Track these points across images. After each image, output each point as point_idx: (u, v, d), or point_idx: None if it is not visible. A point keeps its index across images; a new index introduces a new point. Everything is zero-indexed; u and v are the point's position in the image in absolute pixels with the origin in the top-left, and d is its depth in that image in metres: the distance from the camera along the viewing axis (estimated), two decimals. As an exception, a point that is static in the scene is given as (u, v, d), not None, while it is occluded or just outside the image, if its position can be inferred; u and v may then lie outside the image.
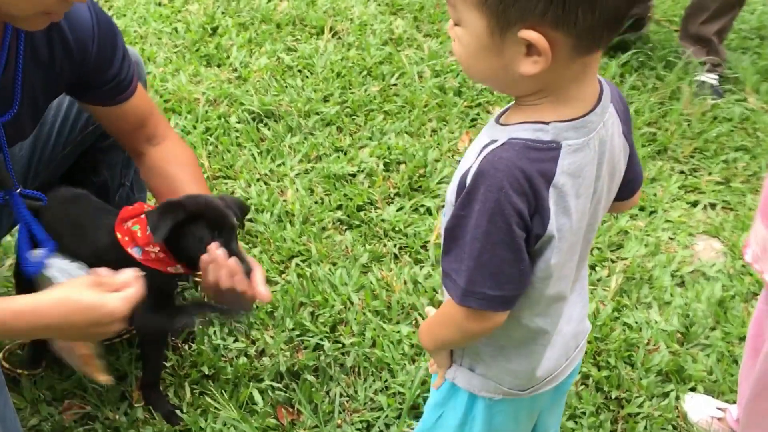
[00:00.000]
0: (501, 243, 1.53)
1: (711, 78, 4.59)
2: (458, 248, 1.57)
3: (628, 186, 1.80)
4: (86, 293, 2.16)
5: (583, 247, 1.73)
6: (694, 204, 3.91)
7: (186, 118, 4.32)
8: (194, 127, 4.26)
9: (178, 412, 2.86)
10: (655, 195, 3.92)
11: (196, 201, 2.56)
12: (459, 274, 1.58)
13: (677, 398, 2.95)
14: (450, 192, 1.62)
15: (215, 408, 2.88)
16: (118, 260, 2.46)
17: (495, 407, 1.89)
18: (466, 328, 1.68)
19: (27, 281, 2.68)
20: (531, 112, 1.55)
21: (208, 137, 4.21)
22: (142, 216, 2.56)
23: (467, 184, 1.54)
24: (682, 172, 4.11)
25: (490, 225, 1.51)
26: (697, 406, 2.88)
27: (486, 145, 1.54)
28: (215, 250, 2.46)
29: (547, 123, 1.52)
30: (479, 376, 1.85)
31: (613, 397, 2.96)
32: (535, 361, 1.80)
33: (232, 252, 2.51)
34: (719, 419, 2.81)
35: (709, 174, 4.08)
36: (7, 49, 2.28)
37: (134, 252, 2.56)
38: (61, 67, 2.44)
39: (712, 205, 3.88)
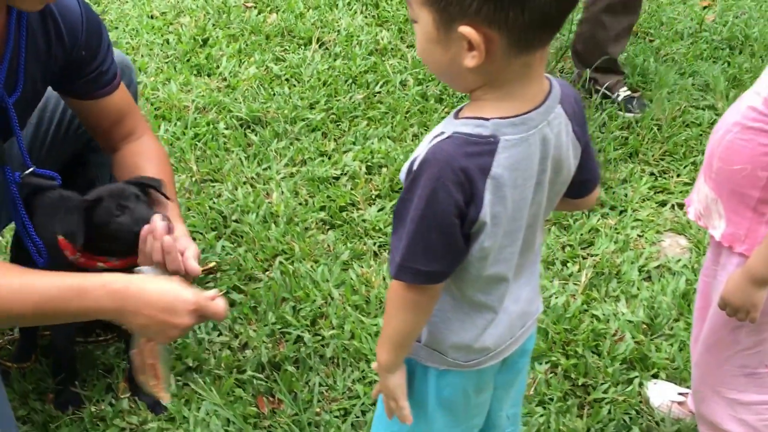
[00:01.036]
0: (435, 228, 1.62)
1: (624, 93, 4.62)
2: (401, 228, 1.65)
3: (584, 185, 1.88)
4: (168, 282, 2.19)
5: (528, 236, 1.79)
6: (663, 204, 3.95)
7: (176, 124, 4.37)
8: (183, 134, 4.31)
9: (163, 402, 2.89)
10: (626, 195, 3.96)
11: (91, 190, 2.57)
12: (397, 250, 1.66)
13: (641, 384, 2.99)
14: (401, 175, 1.69)
15: (199, 397, 2.92)
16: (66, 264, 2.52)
17: (443, 379, 1.94)
18: (409, 302, 1.75)
19: (24, 254, 2.73)
20: (477, 109, 1.63)
21: (197, 143, 4.26)
22: None
23: (413, 171, 1.61)
24: (652, 174, 4.15)
25: (427, 210, 1.59)
26: (659, 391, 2.92)
27: (436, 136, 1.61)
28: (155, 222, 2.38)
29: (487, 119, 1.59)
30: (425, 347, 1.90)
31: (580, 383, 3.00)
32: (476, 335, 1.86)
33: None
34: (680, 404, 2.86)
35: (678, 176, 4.12)
36: (14, 34, 2.34)
37: (70, 258, 2.58)
38: (55, 54, 2.50)
39: (680, 205, 3.92)
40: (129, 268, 2.46)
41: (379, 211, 3.83)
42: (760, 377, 2.40)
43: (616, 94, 4.58)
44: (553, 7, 1.51)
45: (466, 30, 1.52)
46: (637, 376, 3.02)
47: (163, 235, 2.36)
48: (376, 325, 3.19)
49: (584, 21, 4.54)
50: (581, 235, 3.70)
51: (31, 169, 2.61)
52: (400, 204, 1.65)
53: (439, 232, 1.62)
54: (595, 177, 1.91)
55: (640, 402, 2.94)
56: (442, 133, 1.61)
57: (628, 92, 4.61)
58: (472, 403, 2.03)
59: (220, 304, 2.17)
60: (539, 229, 1.83)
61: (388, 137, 4.34)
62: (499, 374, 2.04)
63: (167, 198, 2.61)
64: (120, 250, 2.53)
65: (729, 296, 2.20)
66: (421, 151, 1.63)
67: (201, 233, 3.67)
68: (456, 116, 1.66)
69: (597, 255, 3.58)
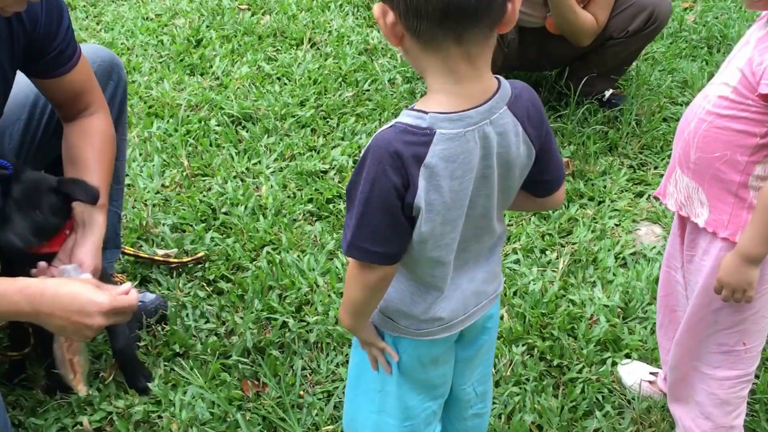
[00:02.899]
0: (379, 208, 1.69)
1: (609, 92, 4.62)
2: (351, 208, 1.73)
3: (546, 185, 1.95)
4: (82, 285, 2.23)
5: (482, 224, 1.87)
6: (640, 195, 3.95)
7: (168, 122, 4.37)
8: (176, 130, 4.31)
9: (150, 385, 2.90)
10: (604, 187, 3.96)
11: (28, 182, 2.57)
12: (348, 228, 1.74)
13: (613, 365, 2.99)
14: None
15: (185, 381, 2.92)
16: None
17: (398, 346, 2.03)
18: (361, 278, 1.82)
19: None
20: (423, 103, 1.70)
21: (189, 139, 4.26)
22: None
23: (361, 155, 1.70)
24: (630, 166, 4.15)
25: (371, 192, 1.67)
26: (631, 371, 2.93)
27: (386, 126, 1.70)
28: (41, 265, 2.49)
29: (426, 113, 1.66)
30: (379, 314, 1.99)
31: (555, 364, 3.01)
32: (424, 308, 1.93)
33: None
34: (650, 382, 2.87)
35: (655, 168, 4.12)
36: None
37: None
38: (18, 37, 2.50)
39: (657, 196, 3.91)
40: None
41: (364, 203, 3.82)
42: (736, 354, 2.43)
43: (601, 95, 4.57)
44: (419, 1, 1.57)
45: (375, 7, 1.65)
46: (610, 357, 3.02)
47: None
48: (359, 311, 3.18)
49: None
50: (560, 224, 3.70)
51: None
52: (350, 185, 1.72)
53: (383, 212, 1.70)
54: (557, 178, 1.96)
55: (613, 381, 2.94)
56: (390, 123, 1.69)
57: (611, 90, 4.60)
58: (430, 374, 2.09)
59: (131, 297, 2.23)
60: (495, 219, 1.89)
61: (376, 133, 4.33)
62: (459, 349, 2.12)
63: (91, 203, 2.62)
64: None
65: (725, 278, 2.24)
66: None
67: (191, 225, 3.67)
68: (408, 108, 1.72)
69: (575, 243, 3.58)
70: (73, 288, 2.21)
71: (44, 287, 2.20)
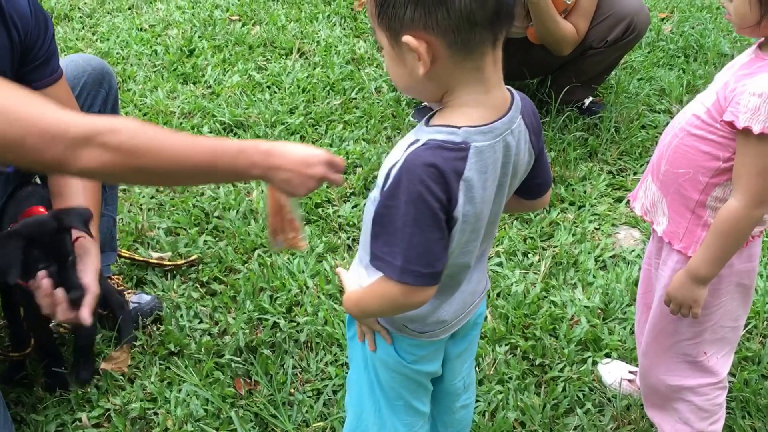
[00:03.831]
0: (429, 225, 1.66)
1: (589, 100, 4.65)
2: (387, 234, 1.69)
3: (538, 188, 1.98)
4: (299, 143, 2.36)
5: (488, 230, 1.88)
6: (619, 200, 3.98)
7: (162, 128, 4.39)
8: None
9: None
10: (584, 192, 3.99)
11: (31, 226, 2.55)
12: (394, 256, 1.69)
13: (594, 364, 3.02)
14: (379, 180, 1.73)
15: (180, 379, 2.94)
16: None
17: (399, 342, 2.02)
18: (401, 302, 1.77)
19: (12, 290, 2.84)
20: (446, 116, 1.68)
21: (182, 145, 4.27)
22: None
23: (392, 177, 1.66)
24: (610, 172, 4.18)
25: (417, 212, 1.64)
26: (611, 370, 2.95)
27: (411, 144, 1.67)
28: (41, 280, 2.47)
29: (458, 127, 1.65)
30: (395, 322, 1.98)
31: (537, 363, 3.04)
32: (431, 311, 1.93)
33: (65, 279, 2.52)
34: (630, 381, 2.89)
35: (634, 174, 4.15)
36: None
37: None
38: (15, 47, 2.54)
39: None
40: None
41: (353, 207, 3.86)
42: (700, 364, 2.45)
43: (582, 103, 4.60)
44: (474, 6, 1.56)
45: (407, 39, 1.60)
46: (590, 356, 3.05)
47: (49, 291, 2.49)
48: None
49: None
50: (542, 228, 3.73)
51: None
52: (383, 211, 1.69)
53: (434, 229, 1.67)
54: (547, 181, 2.00)
55: (593, 380, 2.97)
56: (417, 140, 1.67)
57: (591, 98, 4.64)
58: (423, 370, 2.09)
59: (340, 158, 2.24)
60: (497, 222, 1.93)
61: (363, 139, 4.36)
62: (452, 346, 2.12)
63: (90, 234, 2.64)
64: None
65: (673, 292, 2.28)
66: (397, 157, 1.68)
67: (185, 229, 3.69)
68: (427, 124, 1.70)
69: (556, 246, 3.62)
70: (294, 145, 2.25)
71: (272, 145, 2.23)
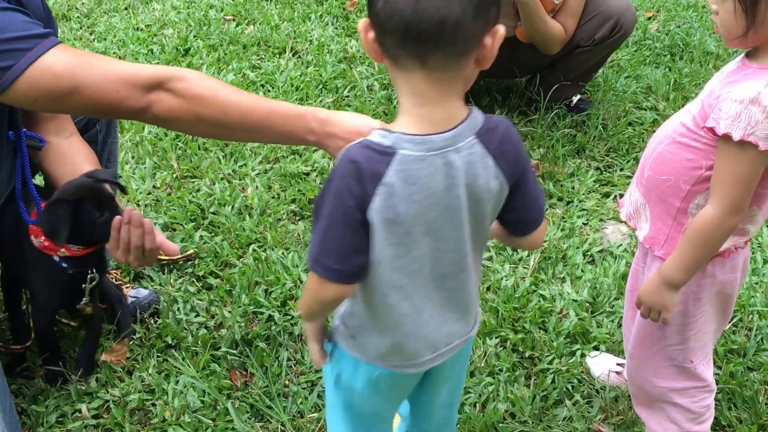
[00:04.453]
0: (342, 222, 1.64)
1: (577, 98, 4.67)
2: (315, 222, 1.68)
3: (523, 224, 1.86)
4: (357, 114, 2.40)
5: (452, 261, 1.79)
6: (607, 195, 4.00)
7: (157, 127, 4.39)
8: (165, 134, 4.34)
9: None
10: (573, 188, 4.01)
11: (71, 190, 2.60)
12: (314, 243, 1.69)
13: (582, 356, 3.04)
14: None
15: (177, 371, 2.95)
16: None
17: (360, 368, 1.95)
18: (317, 294, 1.75)
19: (14, 283, 2.86)
20: (394, 122, 1.66)
21: (178, 142, 4.29)
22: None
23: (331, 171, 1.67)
24: (597, 168, 4.20)
25: (334, 207, 1.63)
26: (599, 362, 2.97)
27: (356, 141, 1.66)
28: (131, 212, 2.53)
29: (392, 132, 1.62)
30: (346, 337, 1.93)
31: (527, 356, 3.05)
32: (387, 341, 1.86)
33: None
34: (618, 373, 2.91)
35: (621, 170, 4.17)
36: None
37: (34, 241, 2.66)
38: None
39: (622, 196, 3.96)
40: (84, 257, 2.69)
41: (345, 203, 3.86)
42: (687, 369, 2.44)
43: (570, 100, 4.62)
44: (385, 15, 1.52)
45: (359, 23, 1.62)
46: (579, 349, 3.07)
47: (140, 222, 2.53)
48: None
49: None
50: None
51: (23, 130, 2.68)
52: (317, 201, 1.68)
53: (345, 227, 1.65)
54: (536, 218, 1.86)
55: (582, 372, 2.99)
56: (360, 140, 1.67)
57: (579, 96, 4.65)
58: (384, 401, 2.06)
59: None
60: (470, 255, 1.81)
61: (355, 137, 4.37)
62: (426, 379, 2.05)
63: (123, 191, 2.79)
64: (85, 241, 2.65)
65: (644, 296, 2.28)
66: None
67: (181, 224, 3.70)
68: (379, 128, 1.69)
69: (545, 241, 3.63)
70: (350, 114, 2.32)
71: (329, 114, 2.32)
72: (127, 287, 3.26)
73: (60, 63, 2.23)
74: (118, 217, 2.53)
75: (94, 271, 2.78)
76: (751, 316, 3.23)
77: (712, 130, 2.02)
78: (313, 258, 1.69)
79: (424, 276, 1.78)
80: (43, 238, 2.61)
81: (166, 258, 3.44)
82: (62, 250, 2.64)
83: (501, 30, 1.57)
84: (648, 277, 2.28)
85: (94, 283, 2.78)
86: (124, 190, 2.78)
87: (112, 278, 3.25)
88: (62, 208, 2.54)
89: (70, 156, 2.76)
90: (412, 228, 1.67)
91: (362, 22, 1.59)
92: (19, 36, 2.20)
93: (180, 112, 2.28)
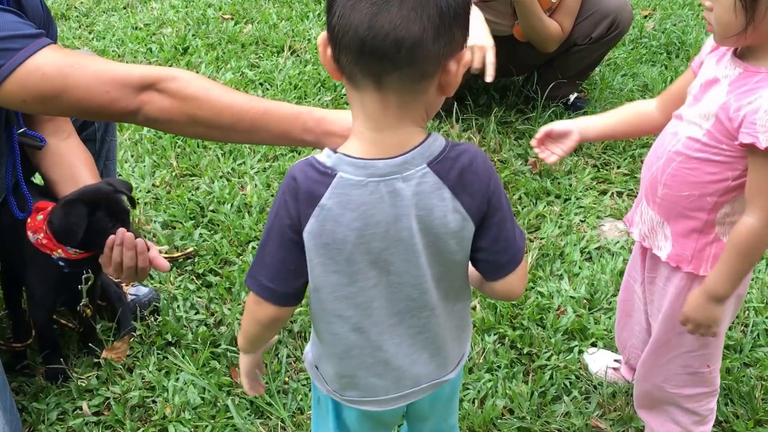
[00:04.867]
0: (276, 238, 1.57)
1: (574, 96, 4.68)
2: (262, 233, 1.62)
3: (494, 266, 1.68)
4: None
5: (410, 297, 1.66)
6: (604, 192, 4.00)
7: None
8: (164, 133, 4.33)
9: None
10: (570, 185, 4.01)
11: (89, 193, 2.62)
12: (255, 257, 1.64)
13: (580, 353, 3.04)
14: None
15: (177, 369, 2.95)
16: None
17: (342, 410, 1.90)
18: (254, 312, 1.70)
19: (14, 281, 2.87)
20: (345, 143, 1.57)
21: (177, 141, 4.29)
22: (49, 209, 2.64)
23: None
24: (594, 165, 4.20)
25: (273, 223, 1.57)
26: (597, 358, 2.97)
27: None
28: (124, 233, 2.53)
29: (335, 152, 1.52)
30: (312, 367, 1.88)
31: (525, 352, 3.05)
32: (336, 371, 1.78)
33: (134, 234, 2.60)
34: (615, 369, 2.91)
35: (618, 167, 4.17)
36: None
37: (30, 237, 2.66)
38: None
39: (619, 193, 3.98)
40: (80, 261, 2.68)
41: (344, 201, 3.87)
42: (701, 375, 2.43)
43: (567, 98, 4.63)
44: (340, 28, 1.42)
45: (318, 38, 1.54)
46: (577, 345, 3.07)
47: (133, 244, 2.54)
48: (340, 303, 3.23)
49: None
50: (528, 220, 3.75)
51: (23, 129, 2.68)
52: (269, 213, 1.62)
53: (279, 245, 1.58)
54: (508, 262, 1.68)
55: (580, 368, 2.99)
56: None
57: (576, 94, 4.66)
58: (362, 428, 1.94)
59: None
60: (434, 293, 1.68)
61: (354, 135, 4.37)
62: (408, 413, 1.97)
63: (134, 205, 2.77)
64: (87, 246, 2.64)
65: (692, 313, 2.19)
66: None
67: (180, 222, 3.70)
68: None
69: (543, 238, 3.63)
70: (347, 112, 2.24)
71: (325, 112, 2.29)
72: (127, 285, 3.26)
73: (50, 63, 2.20)
74: (111, 237, 2.53)
75: (89, 271, 2.79)
76: (747, 312, 3.23)
77: (750, 145, 1.93)
78: (249, 273, 1.64)
79: (380, 310, 1.66)
80: (42, 235, 2.61)
81: (166, 256, 3.44)
82: (59, 250, 2.64)
83: (467, 56, 1.49)
84: (690, 295, 2.21)
85: (89, 283, 2.79)
86: (134, 204, 2.78)
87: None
88: (79, 209, 2.55)
89: (68, 158, 2.76)
90: (353, 256, 1.57)
91: (321, 37, 1.51)
92: (8, 35, 2.18)
93: (172, 113, 2.24)
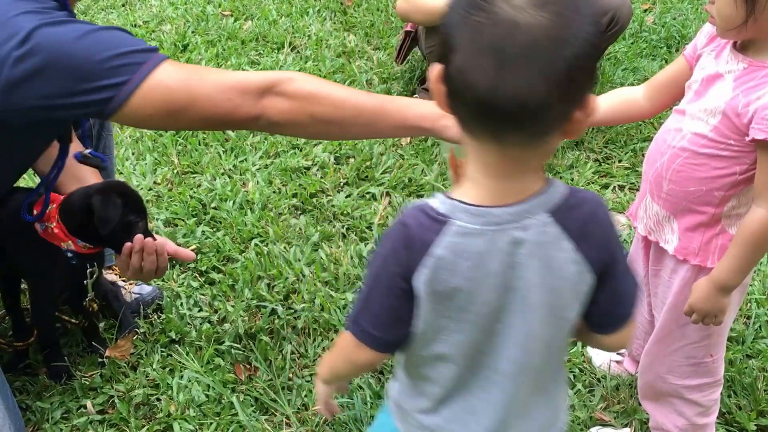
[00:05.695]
0: (384, 286, 1.49)
1: None
2: (365, 280, 1.54)
3: (605, 320, 1.59)
4: None
5: (528, 351, 1.54)
6: (606, 186, 4.01)
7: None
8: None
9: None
10: (572, 179, 4.02)
11: (120, 187, 2.70)
12: (358, 301, 1.56)
13: (583, 346, 3.05)
14: None
15: (182, 366, 2.96)
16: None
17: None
18: (350, 355, 1.62)
19: (13, 280, 2.89)
20: (458, 186, 1.47)
21: (178, 138, 4.29)
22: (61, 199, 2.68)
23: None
24: (596, 160, 4.21)
25: (381, 268, 1.49)
26: (600, 352, 2.97)
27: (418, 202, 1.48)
28: (143, 241, 2.63)
29: (451, 198, 1.43)
30: (399, 405, 1.75)
31: (528, 347, 3.05)
32: (426, 420, 1.67)
33: (151, 234, 2.69)
34: (618, 362, 2.92)
35: (619, 161, 4.18)
36: None
37: (37, 226, 2.67)
38: None
39: (621, 187, 3.99)
40: (88, 256, 2.74)
41: (346, 197, 3.88)
42: (705, 365, 2.43)
43: None
44: (462, 82, 1.31)
45: (431, 69, 1.39)
46: (580, 339, 3.07)
47: (153, 249, 2.65)
48: (344, 299, 3.24)
49: None
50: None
51: (88, 150, 2.72)
52: (371, 257, 1.53)
53: (388, 294, 1.49)
54: (625, 314, 1.59)
55: (583, 361, 3.00)
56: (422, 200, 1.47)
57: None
58: None
59: None
60: (541, 352, 1.55)
61: (355, 131, 4.37)
62: None
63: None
64: (104, 241, 2.71)
65: (698, 304, 2.19)
66: None
67: (182, 220, 3.71)
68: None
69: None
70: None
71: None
72: (130, 283, 3.27)
73: (173, 76, 2.18)
74: (128, 244, 2.62)
75: (95, 265, 2.83)
76: (749, 304, 3.24)
77: (763, 141, 1.94)
78: (352, 317, 1.56)
79: (481, 365, 1.56)
80: (54, 224, 2.64)
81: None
82: (69, 242, 2.65)
83: (594, 101, 1.34)
84: (696, 286, 2.21)
85: (94, 277, 2.80)
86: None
87: (116, 274, 3.26)
88: (115, 199, 2.62)
89: (70, 163, 2.74)
90: (465, 305, 1.47)
91: (435, 70, 1.37)
92: (129, 51, 2.15)
93: (293, 113, 2.25)
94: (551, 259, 1.44)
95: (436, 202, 1.43)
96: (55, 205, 2.64)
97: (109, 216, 2.59)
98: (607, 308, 1.55)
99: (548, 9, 1.25)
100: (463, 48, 1.29)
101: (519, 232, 1.41)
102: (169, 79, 2.17)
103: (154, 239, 2.68)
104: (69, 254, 2.70)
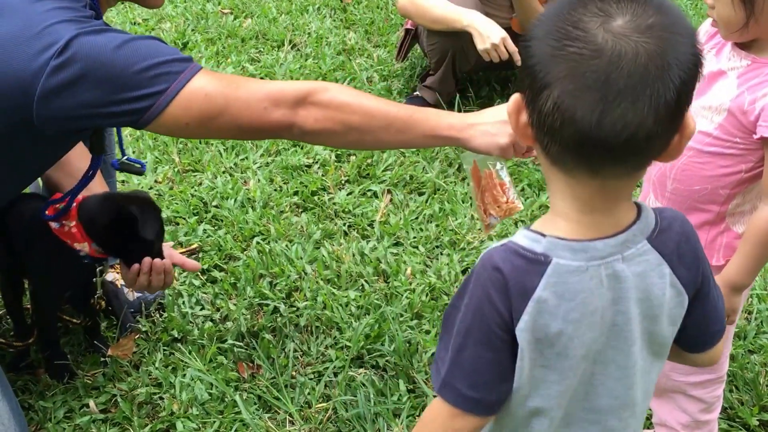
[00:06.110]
0: (482, 342, 1.37)
1: None
2: (447, 337, 1.41)
3: (699, 338, 1.54)
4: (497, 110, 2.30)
5: (614, 395, 1.47)
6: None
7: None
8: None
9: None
10: (573, 175, 4.01)
11: (150, 199, 2.76)
12: (443, 363, 1.41)
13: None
14: None
15: (184, 365, 2.96)
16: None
17: None
18: (446, 426, 1.44)
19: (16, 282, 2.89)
20: (541, 223, 1.39)
21: (179, 136, 4.30)
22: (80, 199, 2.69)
23: (467, 277, 1.40)
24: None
25: (473, 322, 1.36)
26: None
27: (499, 244, 1.39)
28: (152, 263, 2.72)
29: (545, 235, 1.34)
30: None
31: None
32: None
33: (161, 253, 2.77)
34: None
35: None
36: None
37: (52, 223, 2.67)
38: None
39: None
40: (97, 260, 2.77)
41: (348, 194, 3.89)
42: None
43: None
44: (556, 114, 1.22)
45: (511, 100, 1.34)
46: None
47: (161, 269, 2.74)
48: (346, 296, 3.25)
49: None
50: (532, 211, 3.76)
51: (125, 157, 2.78)
52: (449, 310, 1.42)
53: (485, 347, 1.37)
54: (718, 330, 1.54)
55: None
56: (506, 239, 1.39)
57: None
58: None
59: None
60: (637, 388, 1.48)
61: (356, 128, 4.37)
62: None
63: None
64: (112, 251, 2.75)
65: None
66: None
67: (184, 218, 3.71)
68: (525, 228, 1.39)
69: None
70: (490, 114, 2.26)
71: (466, 114, 2.30)
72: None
73: (210, 84, 2.19)
74: (136, 266, 2.69)
75: (102, 263, 2.87)
76: (750, 299, 3.25)
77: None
78: (443, 381, 1.41)
79: (575, 408, 1.47)
80: (73, 223, 2.64)
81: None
82: (84, 243, 2.65)
83: (692, 122, 1.28)
84: None
85: (102, 275, 2.83)
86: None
87: (117, 273, 3.26)
88: (153, 209, 2.71)
89: (76, 166, 2.77)
90: (566, 350, 1.37)
91: (514, 102, 1.32)
92: (167, 60, 2.15)
93: (326, 122, 2.26)
94: (651, 287, 1.38)
95: (526, 241, 1.35)
96: (75, 205, 2.64)
97: (146, 222, 2.63)
98: (703, 328, 1.51)
99: (652, 34, 1.19)
100: (560, 82, 1.21)
101: (620, 264, 1.34)
102: (207, 87, 2.18)
103: (163, 258, 2.74)
104: (81, 254, 2.70)
